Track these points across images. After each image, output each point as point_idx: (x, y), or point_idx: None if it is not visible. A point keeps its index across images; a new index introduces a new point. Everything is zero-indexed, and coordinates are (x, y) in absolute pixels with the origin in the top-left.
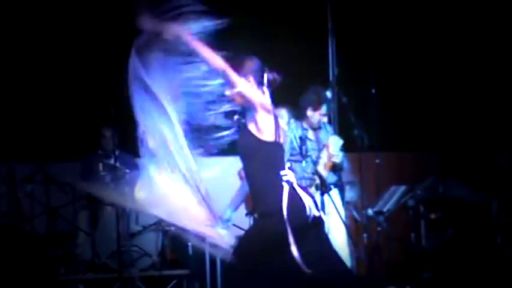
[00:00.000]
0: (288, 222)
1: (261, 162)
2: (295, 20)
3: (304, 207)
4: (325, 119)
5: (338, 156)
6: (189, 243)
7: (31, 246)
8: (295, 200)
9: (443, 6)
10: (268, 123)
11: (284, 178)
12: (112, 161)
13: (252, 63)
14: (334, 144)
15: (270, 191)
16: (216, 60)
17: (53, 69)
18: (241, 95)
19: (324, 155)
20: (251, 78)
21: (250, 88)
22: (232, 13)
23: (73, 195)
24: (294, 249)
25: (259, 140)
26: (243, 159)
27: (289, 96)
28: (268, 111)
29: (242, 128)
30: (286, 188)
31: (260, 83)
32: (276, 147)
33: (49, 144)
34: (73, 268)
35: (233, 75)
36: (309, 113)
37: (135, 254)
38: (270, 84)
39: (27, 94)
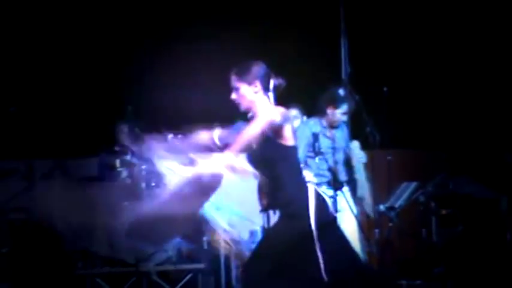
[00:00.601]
0: (314, 221)
1: (285, 167)
2: (309, 21)
3: (327, 206)
4: (344, 118)
5: (364, 157)
6: (204, 238)
7: (49, 241)
8: (319, 199)
9: (454, 7)
10: (287, 129)
11: (306, 179)
12: (129, 157)
13: (259, 69)
14: (356, 147)
15: (296, 193)
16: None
17: (71, 66)
18: (243, 98)
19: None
20: (258, 84)
21: (253, 93)
22: (247, 16)
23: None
24: (318, 248)
25: (283, 146)
26: (266, 165)
27: (302, 94)
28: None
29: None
30: (311, 189)
31: (266, 89)
32: (296, 150)
33: (67, 140)
34: (90, 262)
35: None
36: (330, 111)
37: (151, 248)
38: (276, 89)
39: (46, 92)
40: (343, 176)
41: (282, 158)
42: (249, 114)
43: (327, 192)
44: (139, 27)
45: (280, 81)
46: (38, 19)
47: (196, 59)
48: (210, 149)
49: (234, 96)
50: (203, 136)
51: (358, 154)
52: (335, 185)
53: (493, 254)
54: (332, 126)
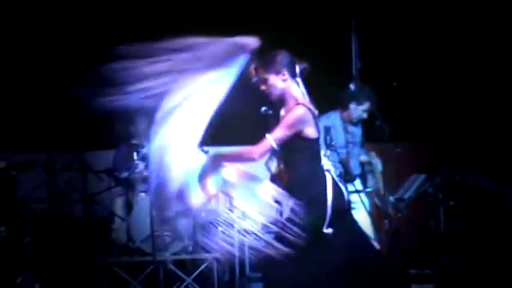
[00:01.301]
0: (331, 208)
1: (305, 155)
2: (321, 17)
3: (343, 194)
4: (365, 116)
5: (380, 165)
6: (219, 228)
7: (69, 231)
8: (336, 188)
9: (460, 4)
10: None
11: (324, 167)
12: (145, 150)
13: (284, 57)
14: (373, 156)
15: (314, 182)
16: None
17: (89, 62)
18: (273, 87)
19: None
20: (285, 72)
21: (282, 81)
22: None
23: (109, 183)
24: (331, 231)
25: (304, 137)
26: (284, 152)
27: (314, 89)
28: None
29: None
30: (329, 178)
31: (293, 75)
32: (317, 141)
33: (86, 134)
34: (109, 252)
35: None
36: (352, 106)
37: (167, 238)
38: (302, 74)
39: (65, 88)
40: (356, 170)
41: (303, 147)
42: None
43: None
44: (154, 23)
45: (305, 65)
46: (56, 16)
47: None
48: None
49: (263, 87)
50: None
51: (376, 163)
52: (346, 177)
53: (499, 244)
54: (352, 121)
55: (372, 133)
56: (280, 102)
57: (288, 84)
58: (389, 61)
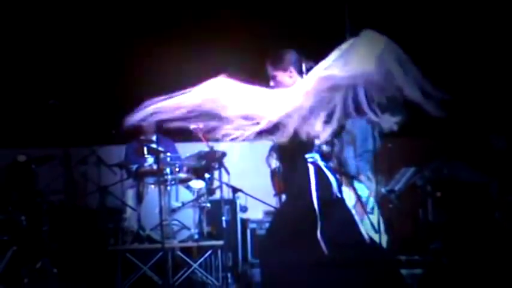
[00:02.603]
0: (316, 200)
1: (289, 150)
2: (317, 19)
3: (330, 185)
4: (395, 128)
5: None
6: (223, 218)
7: (84, 220)
8: (322, 179)
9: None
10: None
11: (309, 160)
12: (155, 145)
13: (291, 56)
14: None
15: (298, 176)
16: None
17: (103, 64)
18: (281, 84)
19: None
20: (292, 69)
21: (289, 78)
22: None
23: (121, 175)
24: (319, 227)
25: None
26: (275, 149)
27: None
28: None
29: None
30: (311, 169)
31: (300, 72)
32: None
33: (100, 130)
34: (121, 239)
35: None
36: (385, 117)
37: (175, 227)
38: (308, 71)
39: (81, 87)
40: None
41: (291, 139)
42: None
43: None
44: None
45: (311, 64)
46: (72, 17)
47: (206, 60)
48: None
49: (272, 84)
50: None
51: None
52: (340, 169)
53: (483, 232)
54: (380, 132)
55: None
56: None
57: (294, 81)
58: None
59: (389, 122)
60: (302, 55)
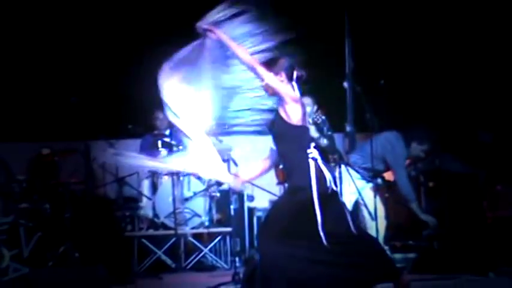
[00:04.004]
0: (316, 193)
1: (290, 143)
2: (318, 23)
3: (325, 180)
4: (422, 155)
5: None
6: (232, 206)
7: (103, 208)
8: (320, 174)
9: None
10: (295, 111)
11: (310, 156)
12: (168, 139)
13: (284, 62)
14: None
15: (298, 168)
16: (246, 56)
17: (120, 61)
18: (269, 86)
19: None
20: (283, 74)
21: (279, 82)
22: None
23: (137, 167)
24: (319, 217)
25: (288, 124)
26: (276, 141)
27: (312, 86)
28: (295, 100)
29: (275, 114)
30: (312, 164)
31: (290, 79)
32: (302, 130)
33: (118, 125)
34: (137, 226)
35: (261, 70)
36: (413, 145)
37: (187, 214)
38: (298, 79)
39: (100, 85)
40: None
41: (290, 136)
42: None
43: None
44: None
45: (302, 72)
46: (92, 18)
47: None
48: None
49: (263, 83)
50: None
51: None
52: (340, 161)
53: (471, 219)
54: (415, 162)
55: (363, 124)
56: (278, 99)
57: (279, 84)
58: (378, 62)
59: (417, 150)
60: (295, 63)
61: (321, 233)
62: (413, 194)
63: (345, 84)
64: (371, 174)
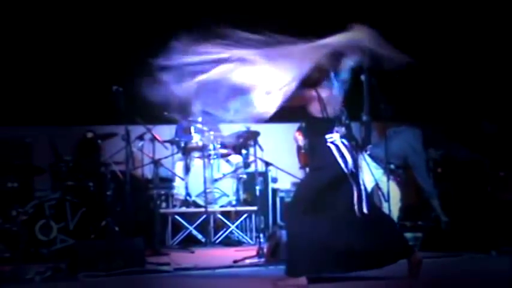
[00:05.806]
0: (336, 172)
1: (313, 130)
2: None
3: (346, 162)
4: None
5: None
6: (257, 187)
7: (141, 187)
8: (340, 156)
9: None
10: (315, 107)
11: (329, 140)
12: (201, 125)
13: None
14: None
15: (319, 151)
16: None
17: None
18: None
19: None
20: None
21: (305, 99)
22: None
23: (172, 150)
24: (355, 193)
25: (311, 117)
26: (303, 129)
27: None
28: (315, 100)
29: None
30: (333, 148)
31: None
32: (323, 120)
33: (155, 111)
34: (171, 204)
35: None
36: (431, 150)
37: (216, 194)
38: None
39: (140, 74)
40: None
41: (313, 125)
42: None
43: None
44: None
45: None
46: (133, 11)
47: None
48: None
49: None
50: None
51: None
52: (356, 148)
53: (476, 202)
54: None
55: (377, 114)
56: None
57: (307, 99)
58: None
59: (434, 154)
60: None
61: (356, 206)
62: (434, 191)
63: (362, 77)
64: (388, 166)
